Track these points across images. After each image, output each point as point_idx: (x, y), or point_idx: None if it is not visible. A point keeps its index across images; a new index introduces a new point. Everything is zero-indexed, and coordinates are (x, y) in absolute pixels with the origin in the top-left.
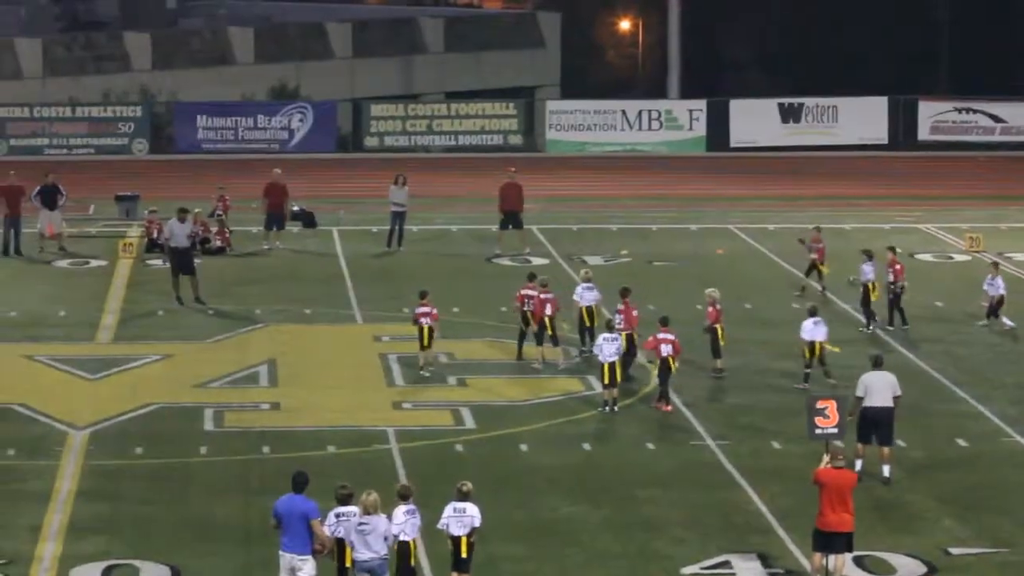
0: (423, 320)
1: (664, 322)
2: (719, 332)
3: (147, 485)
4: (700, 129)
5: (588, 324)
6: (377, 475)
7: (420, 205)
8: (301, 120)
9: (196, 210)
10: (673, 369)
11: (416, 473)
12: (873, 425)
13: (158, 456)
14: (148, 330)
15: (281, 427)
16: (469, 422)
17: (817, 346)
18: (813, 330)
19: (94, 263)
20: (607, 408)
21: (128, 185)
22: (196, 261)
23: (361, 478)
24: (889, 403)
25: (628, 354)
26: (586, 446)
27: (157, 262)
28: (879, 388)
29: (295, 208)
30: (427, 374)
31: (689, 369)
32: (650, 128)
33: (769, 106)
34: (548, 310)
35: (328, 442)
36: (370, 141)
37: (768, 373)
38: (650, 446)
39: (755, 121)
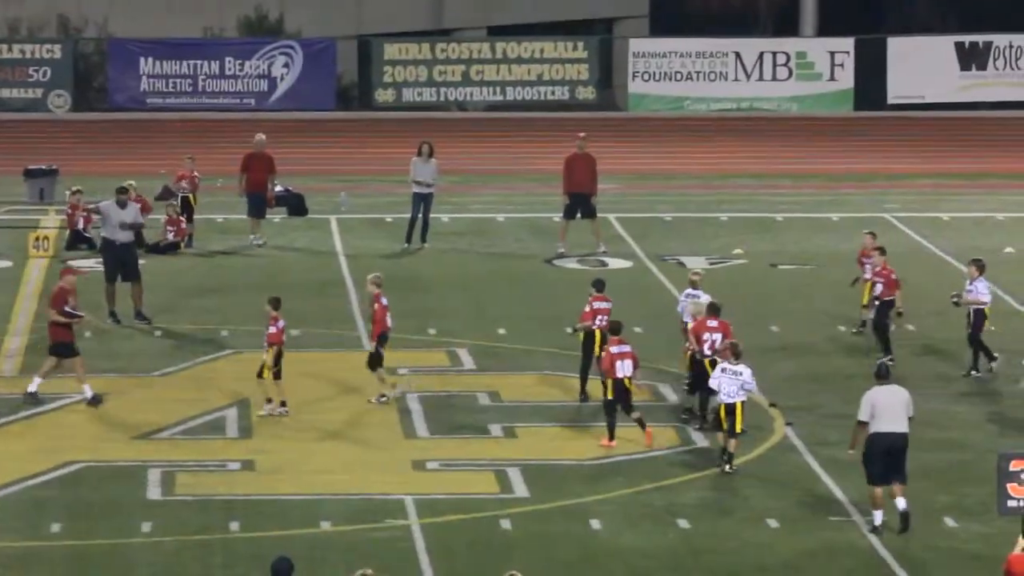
0: (284, 338)
1: (616, 331)
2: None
3: (67, 575)
4: (846, 80)
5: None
6: (391, 562)
7: (453, 184)
8: (286, 65)
9: (129, 181)
10: (633, 391)
11: (446, 559)
12: (886, 458)
13: (83, 535)
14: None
15: (256, 495)
16: (520, 488)
17: None
18: None
19: None
20: (726, 464)
21: (43, 156)
22: (140, 262)
23: (368, 566)
24: (904, 428)
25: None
26: (683, 523)
27: (84, 263)
28: (891, 408)
29: (278, 189)
30: (264, 413)
31: (820, 416)
32: (775, 77)
33: (943, 46)
34: (389, 321)
35: (322, 516)
36: (383, 95)
37: (941, 423)
38: (772, 523)
39: (923, 68)
